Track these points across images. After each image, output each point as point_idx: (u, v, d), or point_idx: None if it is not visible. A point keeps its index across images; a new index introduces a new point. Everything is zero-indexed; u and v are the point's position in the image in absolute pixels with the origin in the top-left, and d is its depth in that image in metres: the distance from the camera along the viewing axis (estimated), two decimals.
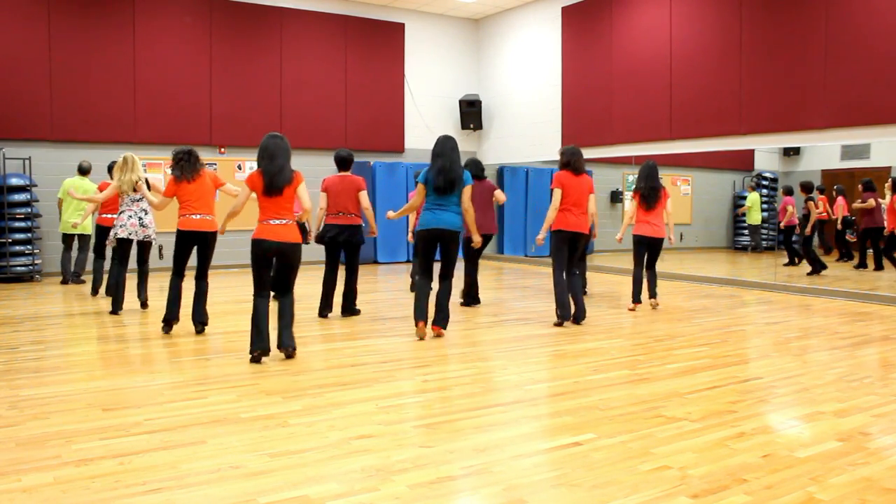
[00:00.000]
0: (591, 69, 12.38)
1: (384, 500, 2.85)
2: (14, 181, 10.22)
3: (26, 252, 10.26)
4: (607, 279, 11.00)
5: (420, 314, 6.15)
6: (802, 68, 9.43)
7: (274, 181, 5.32)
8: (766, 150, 17.19)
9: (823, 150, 17.17)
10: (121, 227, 7.40)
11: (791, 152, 17.96)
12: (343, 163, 7.35)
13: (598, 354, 5.64)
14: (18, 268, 10.22)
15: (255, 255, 5.37)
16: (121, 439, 3.54)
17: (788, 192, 12.97)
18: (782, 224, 12.65)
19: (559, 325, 6.84)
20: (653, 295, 7.96)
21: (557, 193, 6.80)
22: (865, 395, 4.48)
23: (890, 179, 10.06)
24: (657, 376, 4.91)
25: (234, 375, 4.90)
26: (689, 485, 3.01)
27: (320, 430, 3.70)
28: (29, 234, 10.27)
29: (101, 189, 8.50)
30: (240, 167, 12.21)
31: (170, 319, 6.41)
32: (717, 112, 10.42)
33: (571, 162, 6.89)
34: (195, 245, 6.45)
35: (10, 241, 10.13)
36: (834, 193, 12.83)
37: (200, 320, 6.41)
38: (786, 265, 12.48)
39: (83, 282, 10.21)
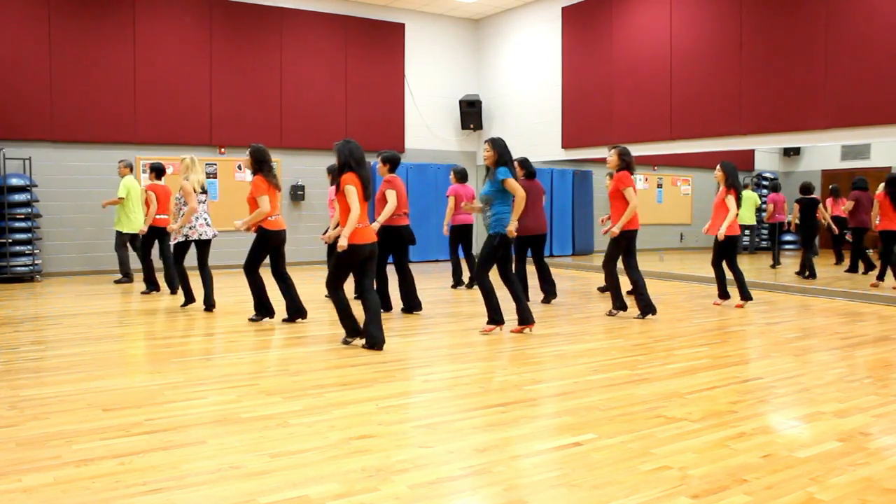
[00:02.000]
0: (592, 69, 12.38)
1: (384, 500, 2.85)
2: (14, 181, 10.22)
3: (26, 252, 10.26)
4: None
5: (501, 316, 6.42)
6: (802, 68, 9.43)
7: (370, 186, 5.73)
8: (766, 150, 17.24)
9: (823, 150, 17.20)
10: (190, 228, 7.55)
11: (791, 152, 17.98)
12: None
13: (598, 354, 5.64)
14: (19, 268, 10.22)
15: (353, 258, 5.66)
16: (121, 439, 3.54)
17: (774, 188, 12.92)
18: (765, 220, 12.65)
19: (613, 314, 7.36)
20: (745, 296, 8.18)
21: (633, 192, 7.17)
22: (865, 395, 4.48)
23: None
24: (657, 376, 4.91)
25: (234, 375, 4.90)
26: (690, 485, 3.01)
27: (320, 430, 3.70)
28: (29, 234, 10.27)
29: (152, 192, 8.89)
30: (240, 167, 12.20)
31: (271, 312, 6.97)
32: (717, 112, 10.42)
33: (630, 163, 7.30)
34: (279, 244, 6.84)
35: (10, 241, 10.12)
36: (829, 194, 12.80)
37: (301, 312, 6.96)
38: (772, 266, 12.44)
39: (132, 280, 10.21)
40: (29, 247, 10.28)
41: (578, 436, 3.64)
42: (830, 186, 12.83)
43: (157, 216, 8.83)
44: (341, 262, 5.69)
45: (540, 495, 2.91)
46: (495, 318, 6.35)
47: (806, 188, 11.14)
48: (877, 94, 8.72)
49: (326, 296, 8.61)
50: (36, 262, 10.35)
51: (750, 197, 14.28)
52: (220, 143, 12.17)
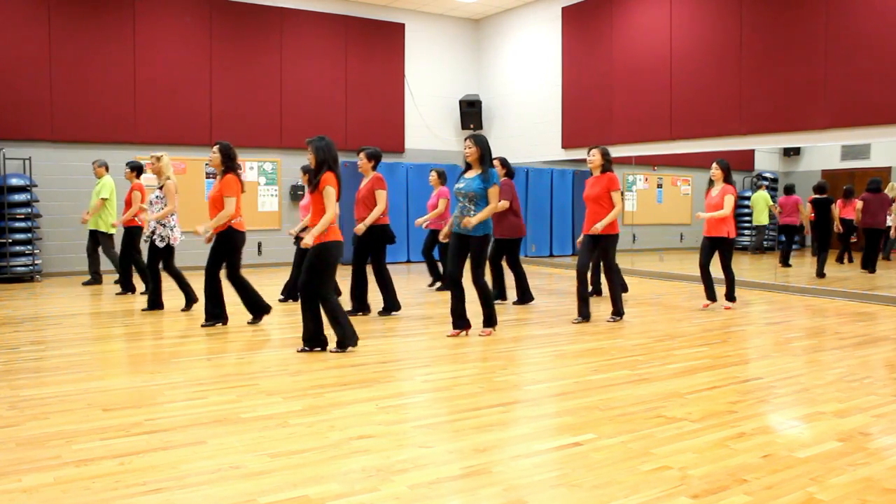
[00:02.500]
0: (592, 69, 12.38)
1: (384, 500, 2.85)
2: (14, 181, 10.22)
3: (26, 252, 10.27)
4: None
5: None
6: (802, 68, 9.43)
7: (341, 185, 5.61)
8: (766, 150, 17.21)
9: (823, 150, 17.16)
10: (172, 230, 7.47)
11: (791, 152, 17.94)
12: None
13: (598, 354, 5.64)
14: (18, 268, 10.22)
15: (339, 254, 5.56)
16: (121, 439, 3.54)
17: (787, 190, 12.94)
18: (777, 220, 12.66)
19: (614, 321, 7.08)
20: (730, 298, 8.13)
21: (620, 196, 6.96)
22: (865, 395, 4.48)
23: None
24: (657, 376, 4.91)
25: (234, 375, 4.91)
26: (690, 485, 3.01)
27: (320, 430, 3.70)
28: (29, 234, 10.27)
29: (139, 191, 8.75)
30: (240, 167, 12.17)
31: (267, 308, 6.90)
32: (717, 112, 10.42)
33: (612, 163, 7.12)
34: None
35: (10, 241, 10.13)
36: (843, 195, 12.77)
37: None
38: (784, 266, 12.45)
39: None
40: (29, 247, 10.28)
41: (578, 436, 3.64)
42: (845, 187, 12.81)
43: (140, 217, 8.73)
44: (330, 263, 5.46)
45: (540, 495, 2.91)
46: (491, 320, 6.32)
47: (820, 188, 11.11)
48: (877, 94, 8.71)
49: (281, 300, 8.22)
50: (36, 262, 10.34)
51: (762, 197, 14.26)
52: None
